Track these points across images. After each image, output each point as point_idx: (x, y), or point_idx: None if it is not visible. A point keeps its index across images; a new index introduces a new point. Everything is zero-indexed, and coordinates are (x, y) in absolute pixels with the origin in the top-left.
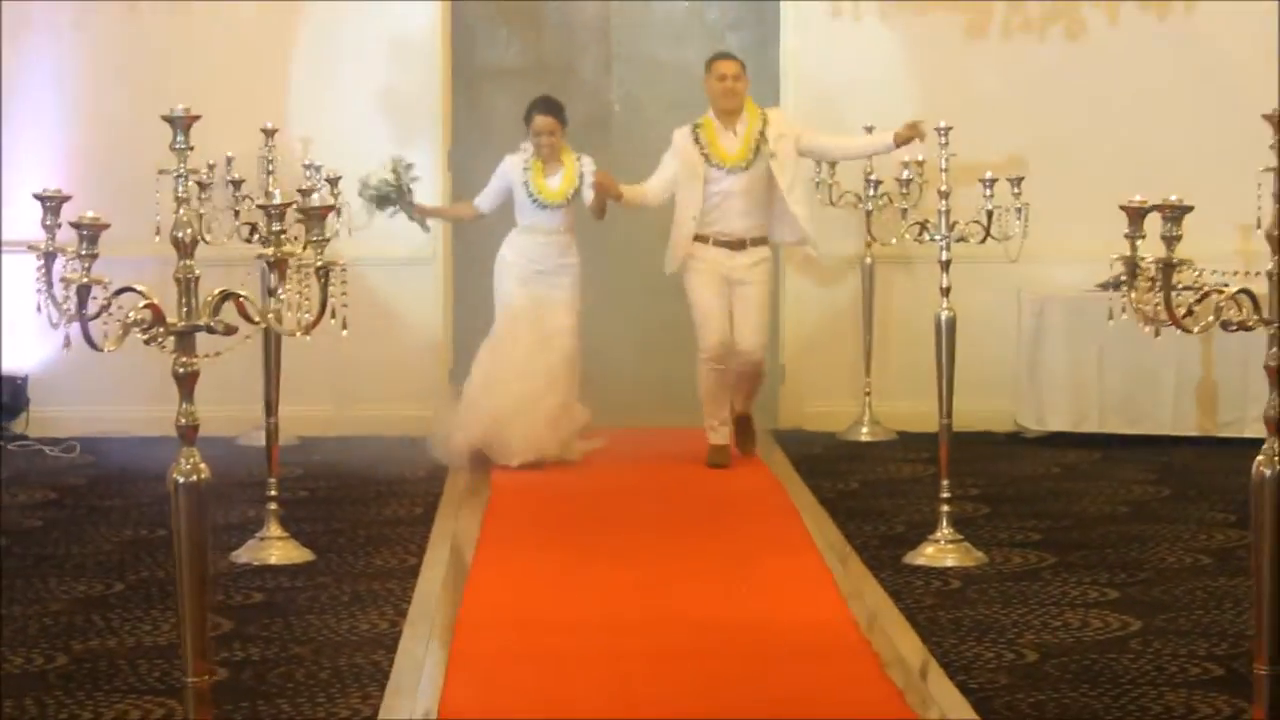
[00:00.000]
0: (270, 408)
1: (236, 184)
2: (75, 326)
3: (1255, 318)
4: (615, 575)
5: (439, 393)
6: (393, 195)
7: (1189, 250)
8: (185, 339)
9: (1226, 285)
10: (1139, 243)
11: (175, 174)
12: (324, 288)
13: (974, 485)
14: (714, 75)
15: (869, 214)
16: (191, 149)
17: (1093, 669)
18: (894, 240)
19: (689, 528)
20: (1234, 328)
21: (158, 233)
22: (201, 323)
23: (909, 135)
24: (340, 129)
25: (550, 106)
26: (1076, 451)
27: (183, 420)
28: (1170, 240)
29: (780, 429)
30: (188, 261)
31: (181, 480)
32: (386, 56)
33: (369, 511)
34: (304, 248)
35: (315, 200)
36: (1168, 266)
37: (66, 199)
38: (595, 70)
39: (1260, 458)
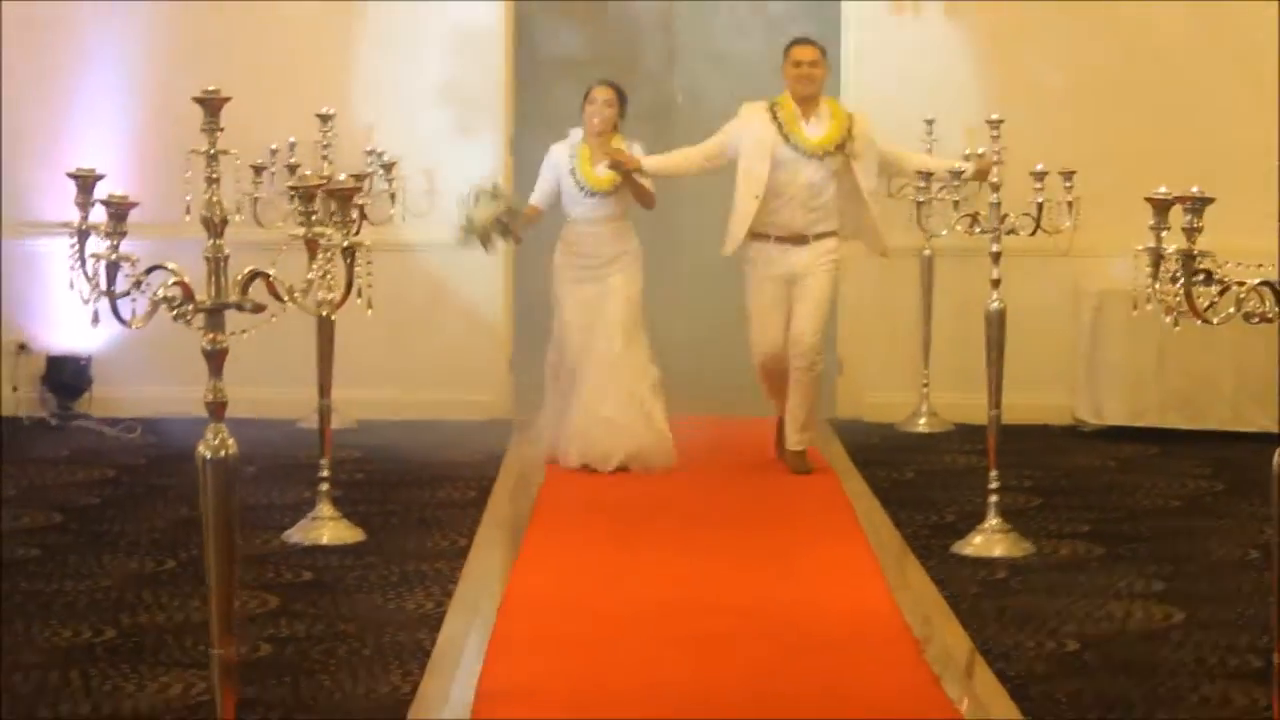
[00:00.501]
0: (323, 390)
1: (292, 168)
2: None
3: (1276, 310)
4: (662, 563)
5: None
6: (505, 220)
7: (1236, 246)
8: (214, 317)
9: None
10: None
11: (205, 154)
12: (350, 268)
13: (1028, 477)
14: (790, 61)
15: (919, 205)
16: (221, 130)
17: (1132, 659)
18: (944, 232)
19: (740, 517)
20: (1256, 320)
21: (188, 212)
22: (230, 301)
23: (980, 174)
24: (403, 117)
25: (611, 82)
26: (1133, 446)
27: (210, 396)
28: (1191, 232)
29: (839, 419)
30: (217, 241)
31: (209, 456)
32: (450, 47)
33: (423, 494)
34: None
35: (366, 185)
36: (1188, 258)
37: (100, 178)
38: (658, 63)
39: None
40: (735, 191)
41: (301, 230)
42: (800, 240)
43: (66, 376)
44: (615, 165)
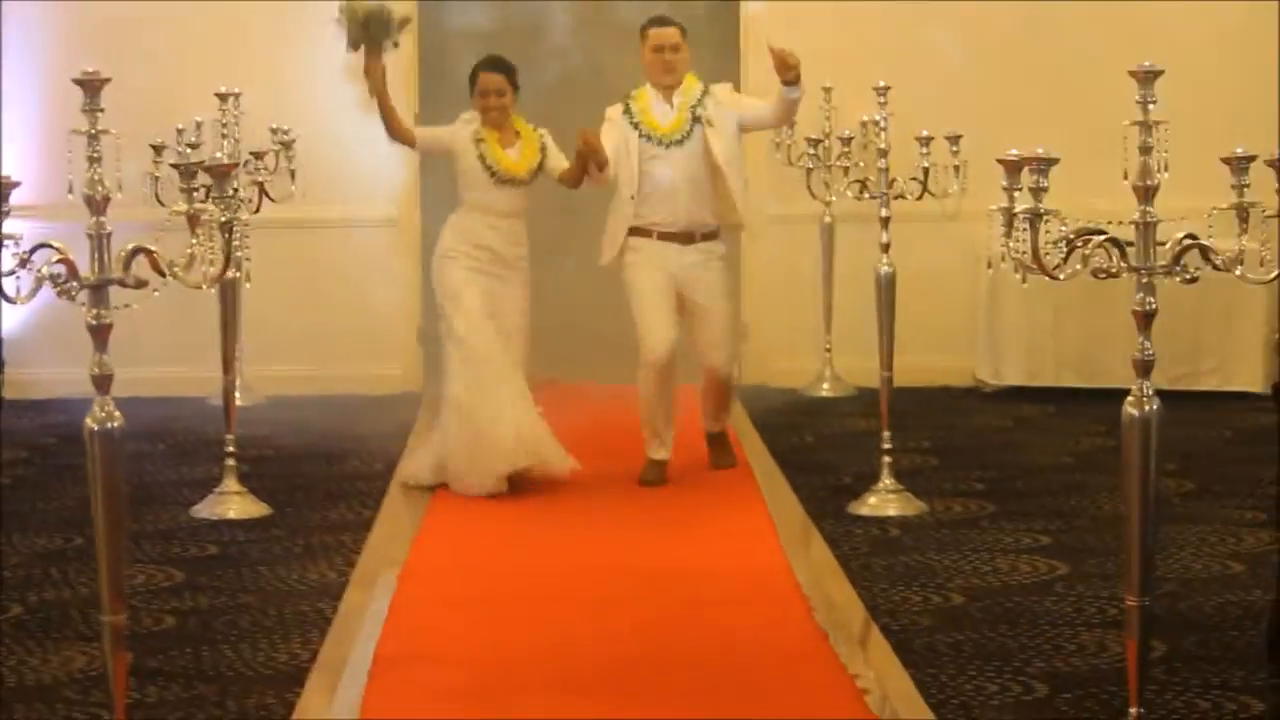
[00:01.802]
0: (227, 365)
1: (192, 146)
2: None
3: (1122, 265)
4: (561, 530)
5: (417, 427)
6: (389, 19)
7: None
8: (98, 292)
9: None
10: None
11: (86, 134)
12: (227, 242)
13: (927, 438)
14: (649, 46)
15: (809, 172)
16: (102, 111)
17: (1014, 611)
18: (832, 199)
19: (640, 486)
20: (1104, 275)
21: (70, 191)
22: (113, 277)
23: (780, 65)
24: (309, 95)
25: (498, 64)
26: (1032, 406)
27: (96, 370)
28: (1037, 191)
29: (743, 385)
30: (100, 219)
31: (96, 428)
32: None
33: (330, 468)
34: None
35: (271, 162)
36: (1035, 216)
37: None
38: (563, 33)
39: (1129, 399)
40: (613, 195)
41: (184, 207)
42: (685, 239)
43: None
44: (589, 148)
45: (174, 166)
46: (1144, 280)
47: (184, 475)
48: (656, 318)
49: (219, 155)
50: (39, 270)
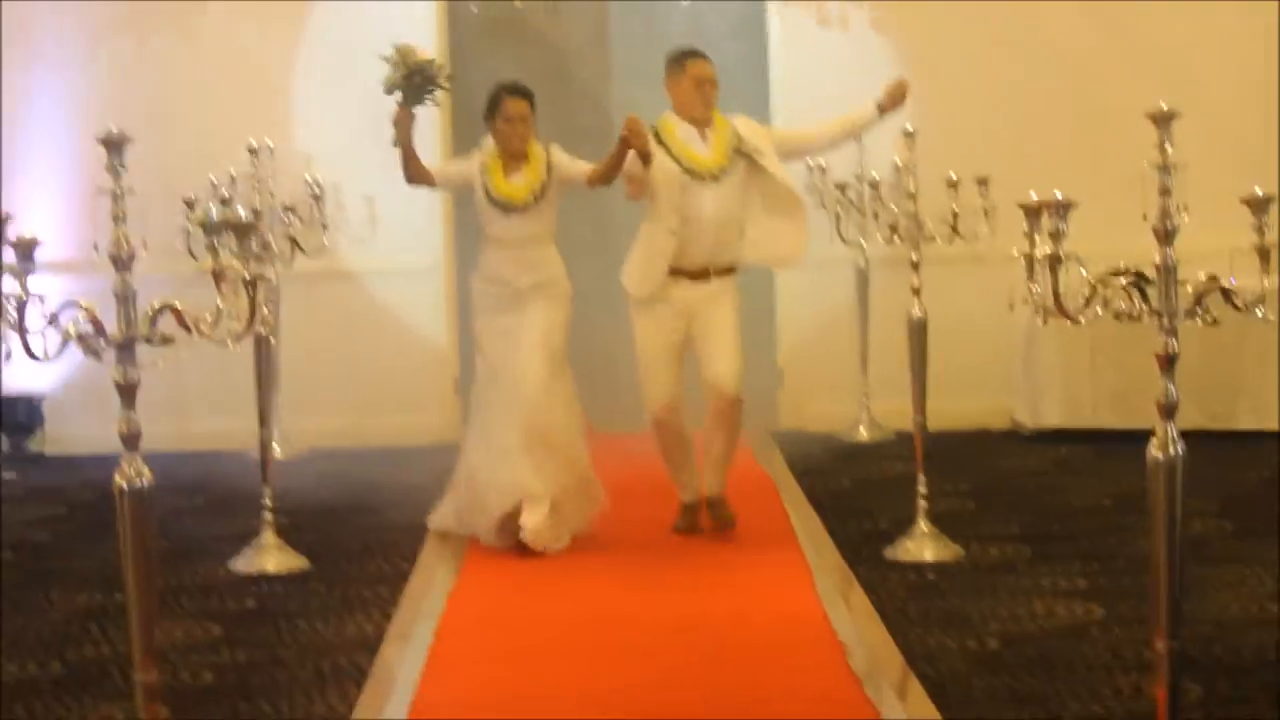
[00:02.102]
0: (263, 419)
1: (224, 202)
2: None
3: (1143, 309)
4: (600, 576)
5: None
6: (426, 76)
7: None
8: (125, 351)
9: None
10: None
11: (112, 193)
12: (252, 299)
13: (964, 481)
14: (688, 76)
15: (838, 217)
16: (125, 169)
17: (1050, 655)
18: (863, 242)
19: (663, 531)
20: (1126, 319)
21: (95, 248)
22: (139, 334)
23: (895, 96)
24: (344, 148)
25: (522, 89)
26: (1070, 447)
27: (124, 428)
28: (1057, 236)
29: (780, 430)
30: (125, 276)
31: (125, 486)
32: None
33: (368, 520)
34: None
35: (309, 214)
36: (1055, 260)
37: (8, 219)
38: (594, 80)
39: (1153, 442)
40: (644, 225)
41: (209, 263)
42: (702, 275)
43: (19, 416)
44: (635, 136)
45: (202, 225)
46: (1165, 324)
47: (223, 529)
48: (658, 371)
49: (240, 210)
50: (66, 329)
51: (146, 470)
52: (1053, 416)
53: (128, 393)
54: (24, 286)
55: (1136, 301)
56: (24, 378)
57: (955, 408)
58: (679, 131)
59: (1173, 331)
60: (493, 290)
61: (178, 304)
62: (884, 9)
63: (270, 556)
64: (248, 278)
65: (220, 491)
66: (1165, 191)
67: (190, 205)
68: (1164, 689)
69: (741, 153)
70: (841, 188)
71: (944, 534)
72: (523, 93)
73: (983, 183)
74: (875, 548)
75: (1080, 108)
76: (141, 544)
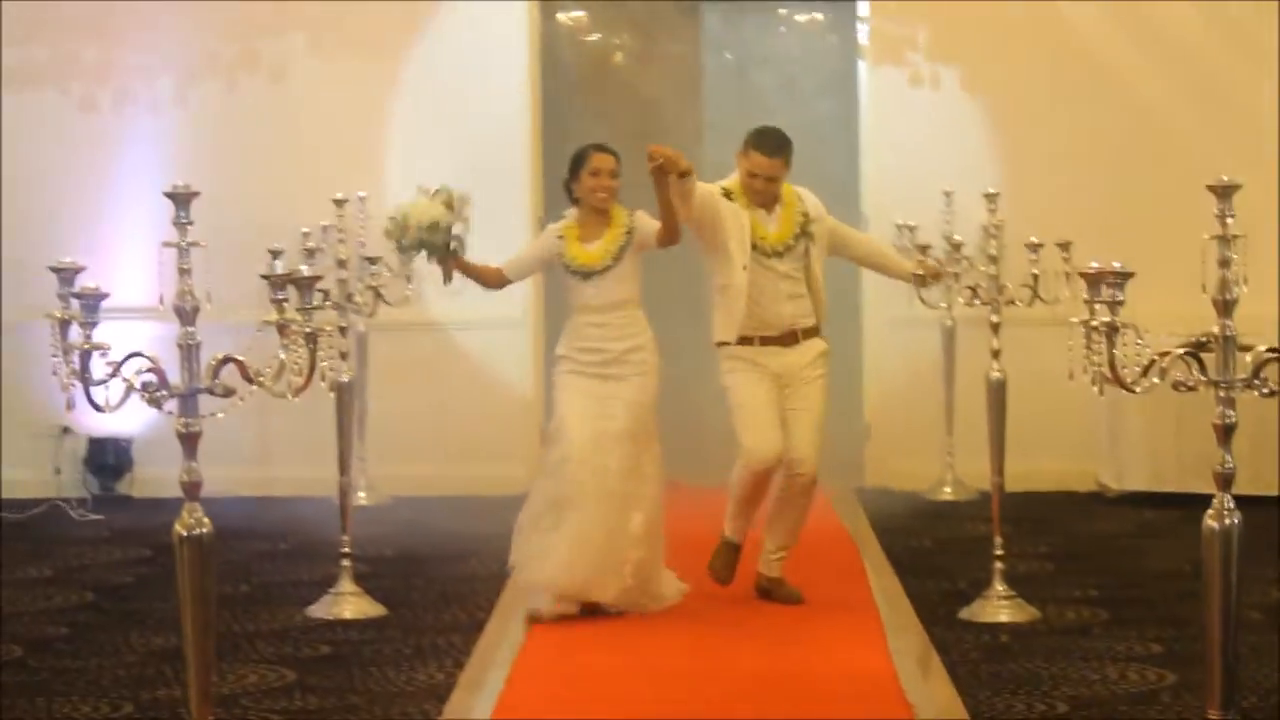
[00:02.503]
0: (343, 466)
1: (310, 252)
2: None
3: (1200, 379)
4: (671, 629)
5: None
6: (443, 238)
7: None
8: (188, 401)
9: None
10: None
11: (178, 246)
12: (312, 352)
13: (1045, 543)
14: (749, 165)
15: (917, 277)
16: (191, 223)
17: None
18: (944, 305)
19: (743, 592)
20: (1183, 388)
21: (161, 302)
22: (201, 386)
23: (927, 276)
24: None
25: (608, 146)
26: (1154, 511)
27: (185, 477)
28: (1114, 305)
29: (865, 487)
30: (189, 329)
31: (185, 533)
32: (479, 129)
33: (447, 569)
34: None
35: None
36: (1111, 329)
37: (80, 270)
38: (689, 139)
39: (1210, 512)
40: (718, 274)
41: (274, 317)
42: (789, 340)
43: (108, 458)
44: (657, 163)
45: (264, 277)
46: (1223, 394)
47: (304, 575)
48: (761, 421)
49: (300, 267)
50: (129, 379)
51: (206, 520)
52: (1137, 480)
53: (190, 443)
54: (88, 338)
55: (1194, 372)
56: (114, 421)
57: (1040, 469)
58: (744, 200)
59: (1230, 402)
60: (583, 358)
61: (240, 356)
62: (975, 70)
63: (348, 603)
64: (307, 331)
65: (304, 537)
66: (1224, 263)
67: (275, 255)
68: None
69: (807, 234)
70: (923, 249)
71: (1021, 595)
72: (609, 150)
73: (1064, 246)
74: (952, 608)
75: (1169, 173)
76: (200, 591)
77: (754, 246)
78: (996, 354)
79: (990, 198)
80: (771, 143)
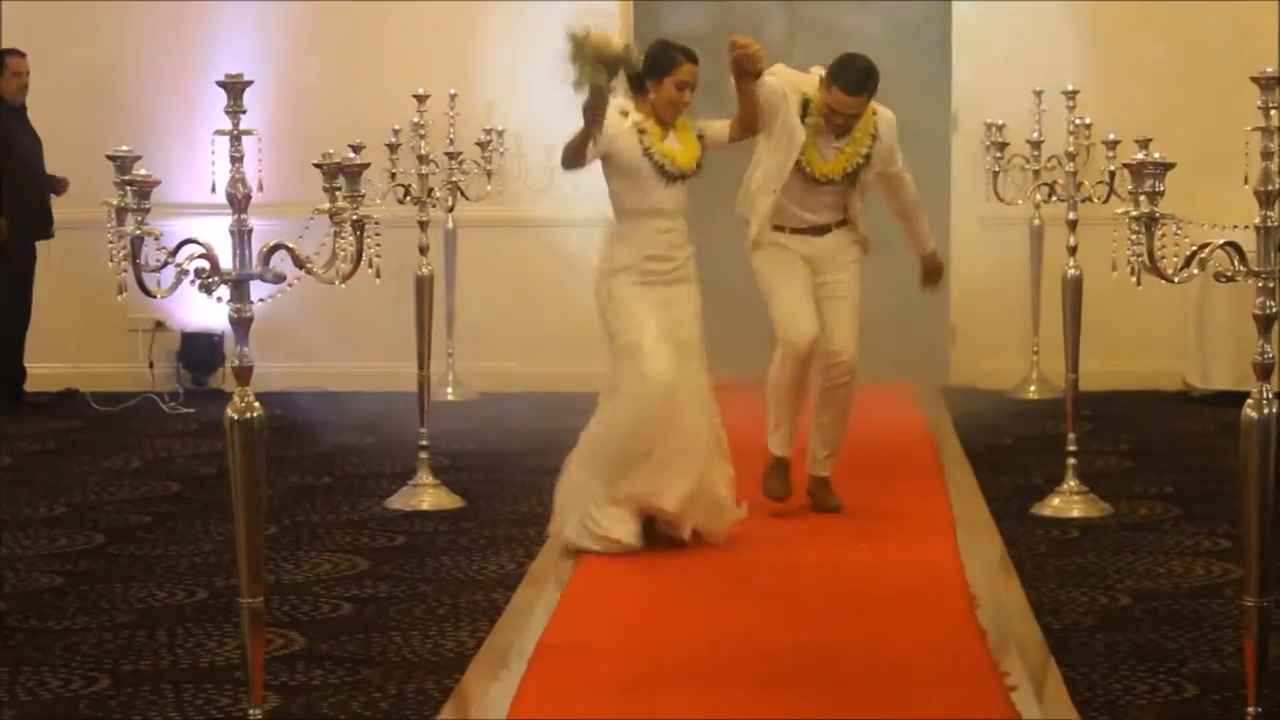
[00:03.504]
0: (421, 360)
1: (392, 148)
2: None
3: (1242, 269)
4: (740, 522)
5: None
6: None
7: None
8: (239, 287)
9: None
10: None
11: (230, 134)
12: (359, 240)
13: (1125, 441)
14: (832, 99)
15: (995, 175)
16: (244, 112)
17: (1179, 613)
18: (1020, 201)
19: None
20: (1224, 279)
21: (213, 190)
22: (252, 272)
23: (931, 273)
24: (523, 95)
25: (696, 56)
26: (1237, 410)
27: (237, 362)
28: (1153, 196)
29: (951, 385)
30: (241, 216)
31: (236, 417)
32: (570, 24)
33: (528, 462)
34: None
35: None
36: (1150, 220)
37: (137, 158)
38: (780, 37)
39: (1249, 402)
40: (755, 168)
41: (329, 205)
42: (820, 230)
43: (200, 353)
44: (737, 54)
45: (316, 166)
46: (1263, 284)
47: (386, 468)
48: (797, 308)
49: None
50: (180, 264)
51: (257, 404)
52: (1223, 379)
53: (241, 328)
54: (141, 223)
55: (1235, 263)
56: (207, 315)
57: (1127, 368)
58: (817, 123)
59: (1270, 292)
60: (649, 265)
61: (289, 243)
62: None
63: (425, 495)
64: (354, 219)
65: (388, 432)
66: (1268, 154)
67: (355, 150)
68: (1252, 646)
69: (868, 160)
70: (1001, 145)
71: (1095, 492)
72: (697, 60)
73: (1144, 144)
74: (1025, 504)
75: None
76: (250, 473)
77: (801, 169)
78: (1073, 251)
79: (1070, 95)
80: (854, 80)
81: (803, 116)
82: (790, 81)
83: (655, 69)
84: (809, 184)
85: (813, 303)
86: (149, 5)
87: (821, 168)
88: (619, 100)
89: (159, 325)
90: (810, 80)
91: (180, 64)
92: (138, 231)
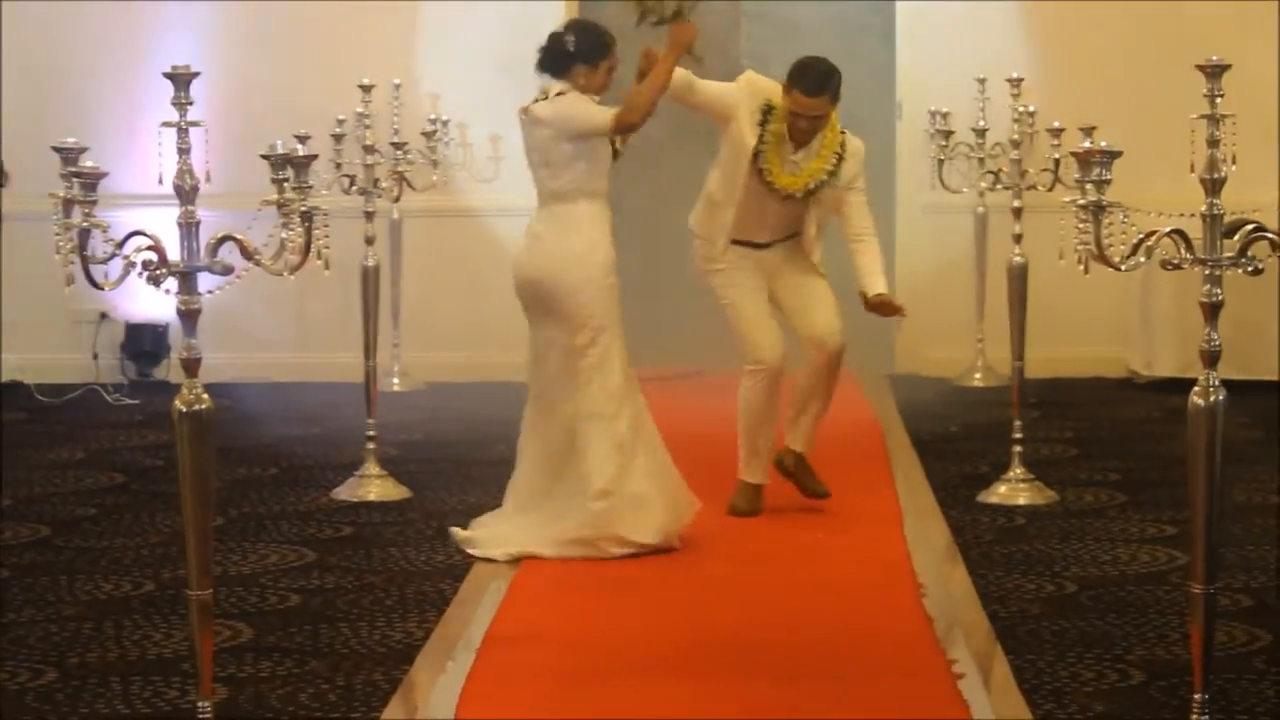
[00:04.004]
0: (368, 350)
1: (337, 138)
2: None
3: (1189, 257)
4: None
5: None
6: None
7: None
8: (187, 279)
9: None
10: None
11: (177, 126)
12: (307, 231)
13: (1070, 428)
14: (792, 101)
15: (940, 164)
16: (191, 103)
17: (1126, 600)
18: (965, 189)
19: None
20: (1171, 267)
21: (160, 181)
22: (200, 264)
23: (877, 309)
24: (467, 85)
25: (822, 82)
26: (1181, 397)
27: (184, 354)
28: (1100, 184)
29: (896, 374)
30: (189, 207)
31: (184, 409)
32: (515, 14)
33: (474, 453)
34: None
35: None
36: (1098, 208)
37: (83, 150)
38: (724, 27)
39: (1195, 389)
40: (713, 175)
41: (274, 196)
42: (764, 246)
43: (145, 344)
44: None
45: (264, 157)
46: (1209, 272)
47: (333, 459)
48: (760, 322)
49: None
50: (128, 257)
51: (205, 396)
52: (1167, 366)
53: (189, 320)
54: (88, 215)
55: (1181, 251)
56: (152, 307)
57: (1072, 356)
58: (780, 131)
59: (1217, 280)
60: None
61: (238, 235)
62: None
63: (372, 486)
64: (302, 210)
65: (335, 423)
66: (1213, 142)
67: (301, 140)
68: (1199, 632)
69: (827, 183)
70: (945, 134)
71: (1041, 479)
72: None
73: (1088, 131)
74: (971, 491)
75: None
76: (198, 466)
77: (763, 178)
78: (1018, 239)
79: (1014, 83)
80: (813, 81)
81: (765, 123)
82: (757, 88)
83: (591, 55)
84: (768, 197)
85: (770, 310)
86: None
87: (782, 179)
88: (545, 81)
89: (103, 316)
90: (776, 88)
91: (125, 55)
92: (85, 224)
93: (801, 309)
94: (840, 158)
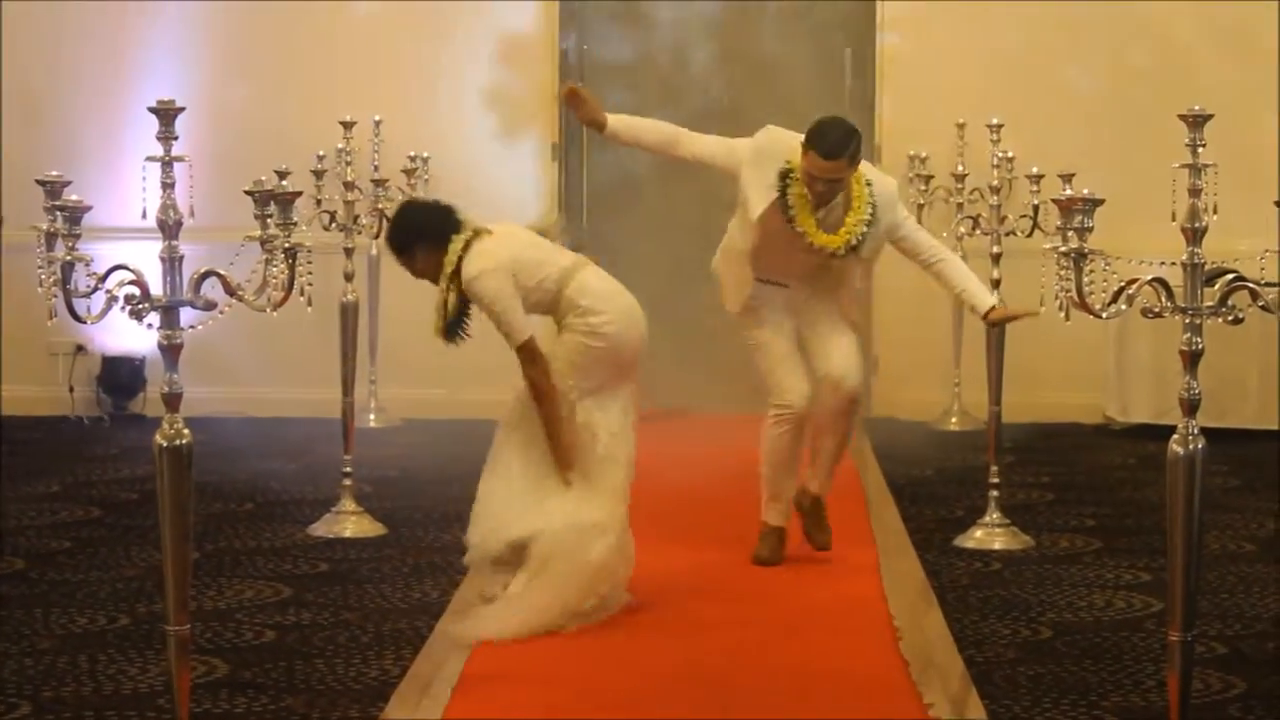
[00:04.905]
0: (346, 387)
1: (318, 174)
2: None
3: (1169, 305)
4: (663, 550)
5: None
6: None
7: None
8: (170, 313)
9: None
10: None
11: (162, 160)
12: (291, 267)
13: (1046, 473)
14: (809, 164)
15: (920, 208)
16: (176, 138)
17: (1101, 646)
18: (944, 234)
19: (750, 508)
20: (1152, 315)
21: (144, 215)
22: (183, 299)
23: (1005, 318)
24: (448, 124)
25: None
26: (1157, 444)
27: (166, 389)
28: (1081, 232)
29: (873, 417)
30: (172, 242)
31: (165, 444)
32: (495, 52)
33: (451, 490)
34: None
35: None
36: (1079, 256)
37: (67, 183)
38: (705, 67)
39: (1174, 437)
40: (733, 224)
41: (258, 233)
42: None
43: (122, 377)
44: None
45: (248, 193)
46: (1190, 321)
47: (310, 494)
48: (788, 366)
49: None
50: (110, 291)
51: (186, 431)
52: (1142, 412)
53: (171, 355)
54: (71, 249)
55: (1162, 299)
56: (128, 340)
57: (1048, 401)
58: (802, 193)
59: (1197, 329)
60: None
61: (221, 270)
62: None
63: (348, 522)
64: (286, 246)
65: (312, 458)
66: (1195, 192)
67: (282, 176)
68: (1175, 680)
69: (862, 242)
70: (925, 178)
71: (1017, 524)
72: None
73: (1067, 178)
74: (947, 535)
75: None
76: (178, 501)
77: (796, 231)
78: (997, 284)
79: (994, 128)
80: (830, 144)
81: (785, 186)
82: (776, 149)
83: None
84: (794, 246)
85: (800, 357)
86: (77, 30)
87: (820, 238)
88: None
89: (80, 349)
90: (797, 145)
91: (108, 89)
92: (68, 257)
93: (822, 349)
94: (874, 205)
